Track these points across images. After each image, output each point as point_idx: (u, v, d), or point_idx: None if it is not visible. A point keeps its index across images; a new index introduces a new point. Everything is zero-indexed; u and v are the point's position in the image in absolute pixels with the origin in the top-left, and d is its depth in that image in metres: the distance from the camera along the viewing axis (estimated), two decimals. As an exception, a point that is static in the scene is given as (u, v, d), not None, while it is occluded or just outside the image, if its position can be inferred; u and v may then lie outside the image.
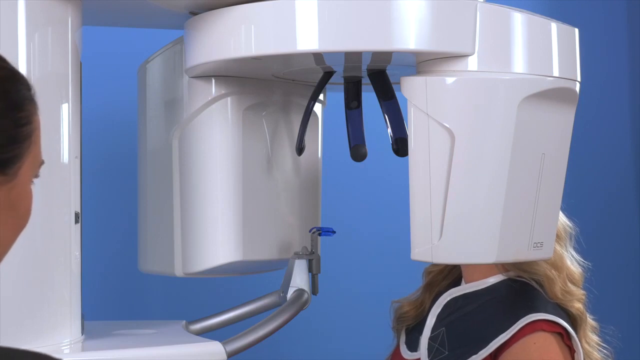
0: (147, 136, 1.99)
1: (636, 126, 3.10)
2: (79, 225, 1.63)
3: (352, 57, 1.68)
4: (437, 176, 1.58)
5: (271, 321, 1.79)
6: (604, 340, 1.85)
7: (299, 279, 1.87)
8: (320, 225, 2.03)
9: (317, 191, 2.06)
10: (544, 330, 1.72)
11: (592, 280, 1.81)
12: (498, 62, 1.58)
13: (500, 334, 1.72)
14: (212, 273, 1.90)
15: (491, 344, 1.72)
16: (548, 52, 1.62)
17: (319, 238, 1.92)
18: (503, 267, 1.81)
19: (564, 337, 1.74)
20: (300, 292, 1.87)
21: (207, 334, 1.92)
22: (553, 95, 1.61)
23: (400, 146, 1.75)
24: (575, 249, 1.89)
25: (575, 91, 1.66)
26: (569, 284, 1.80)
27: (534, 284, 1.80)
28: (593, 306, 1.84)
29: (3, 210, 0.96)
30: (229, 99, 1.86)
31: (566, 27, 1.66)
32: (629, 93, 3.11)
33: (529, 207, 1.63)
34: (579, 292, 1.82)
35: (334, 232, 1.91)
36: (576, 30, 1.68)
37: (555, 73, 1.62)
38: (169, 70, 1.94)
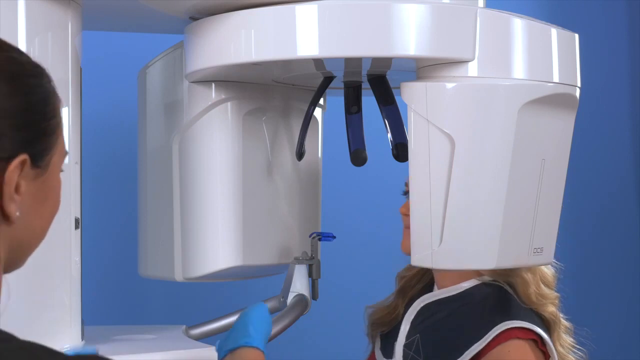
0: (147, 141, 1.99)
1: (636, 127, 3.10)
2: (78, 230, 1.62)
3: (352, 63, 1.68)
4: (437, 182, 1.58)
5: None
6: (579, 342, 1.83)
7: (299, 284, 1.87)
8: (320, 230, 2.03)
9: (317, 196, 2.06)
10: (518, 338, 1.69)
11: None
12: (498, 68, 1.58)
13: (474, 343, 1.70)
14: (212, 278, 1.90)
15: (466, 353, 1.70)
16: (548, 57, 1.61)
17: (319, 243, 1.91)
18: (477, 271, 1.78)
19: (539, 342, 1.72)
20: (300, 297, 1.87)
21: (207, 339, 1.92)
22: (553, 100, 1.61)
23: (400, 151, 1.75)
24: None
25: (576, 97, 1.66)
26: (543, 287, 1.78)
27: (507, 288, 1.77)
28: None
29: (38, 202, 1.00)
30: (229, 103, 1.86)
31: (566, 33, 1.66)
32: (629, 94, 3.12)
33: (529, 212, 1.62)
34: (553, 295, 1.79)
35: (334, 237, 1.91)
36: (576, 35, 1.68)
37: (556, 79, 1.62)
38: (169, 75, 1.94)
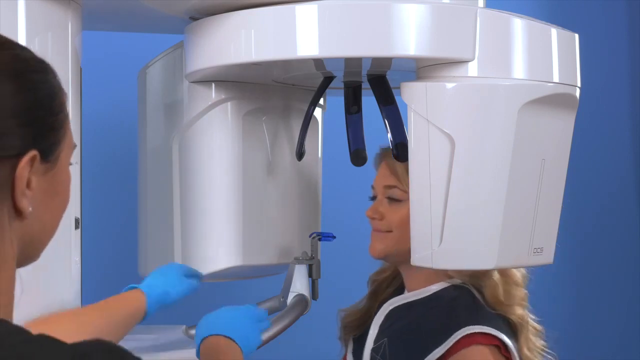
0: (147, 141, 1.99)
1: (636, 127, 3.10)
2: (78, 230, 1.62)
3: (352, 63, 1.68)
4: (437, 182, 1.58)
5: (271, 327, 1.79)
6: (549, 345, 1.81)
7: (299, 284, 1.87)
8: (320, 230, 2.03)
9: (317, 196, 2.06)
10: (481, 344, 1.68)
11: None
12: (498, 68, 1.57)
13: (436, 348, 1.68)
14: (212, 278, 1.90)
15: (427, 358, 1.68)
16: (548, 57, 1.61)
17: (319, 243, 1.92)
18: (446, 273, 1.77)
19: (502, 348, 1.69)
20: (300, 297, 1.87)
21: (207, 339, 1.91)
22: (553, 100, 1.61)
23: (400, 151, 1.75)
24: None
25: (576, 97, 1.66)
26: (512, 286, 1.76)
27: (474, 291, 1.76)
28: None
29: (48, 196, 1.00)
30: (229, 104, 1.86)
31: (566, 33, 1.66)
32: (629, 94, 3.12)
33: (529, 212, 1.62)
34: (521, 293, 1.78)
35: (334, 237, 1.91)
36: (576, 35, 1.68)
37: (555, 79, 1.61)
38: (169, 75, 1.94)
